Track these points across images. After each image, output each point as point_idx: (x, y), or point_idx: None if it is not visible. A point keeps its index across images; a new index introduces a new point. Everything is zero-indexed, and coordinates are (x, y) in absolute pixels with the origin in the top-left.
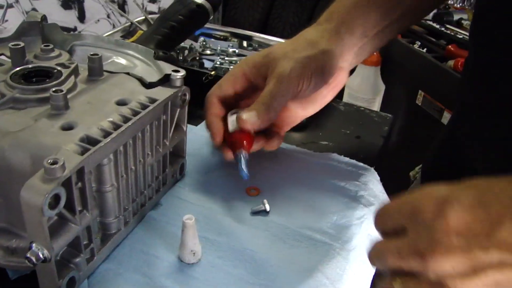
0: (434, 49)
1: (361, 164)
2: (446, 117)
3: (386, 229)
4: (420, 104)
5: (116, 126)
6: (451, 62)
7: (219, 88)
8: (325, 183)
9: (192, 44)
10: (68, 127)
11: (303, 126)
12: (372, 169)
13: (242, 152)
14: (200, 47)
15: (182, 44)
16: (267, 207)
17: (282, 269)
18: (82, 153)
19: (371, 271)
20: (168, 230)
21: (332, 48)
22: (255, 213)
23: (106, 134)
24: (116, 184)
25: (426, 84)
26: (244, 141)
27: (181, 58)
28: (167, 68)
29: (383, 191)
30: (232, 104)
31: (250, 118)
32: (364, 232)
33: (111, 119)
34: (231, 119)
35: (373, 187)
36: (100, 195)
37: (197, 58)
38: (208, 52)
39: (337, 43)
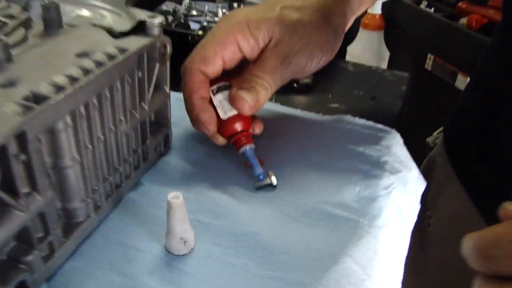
0: (442, 8)
1: (380, 125)
2: (460, 81)
3: (504, 274)
4: (429, 68)
5: (73, 81)
6: (463, 20)
7: (203, 61)
8: (341, 150)
9: (176, 7)
10: (8, 84)
11: (309, 88)
12: (394, 130)
13: (249, 146)
14: (186, 9)
15: (165, 8)
16: (274, 180)
17: (298, 255)
18: (24, 114)
19: (404, 251)
20: (151, 215)
21: (343, 25)
22: (259, 188)
23: (59, 90)
24: (79, 158)
25: (436, 47)
26: (248, 132)
27: (164, 23)
28: (142, 14)
29: (408, 156)
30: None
31: (252, 101)
32: (394, 204)
33: (67, 72)
34: (219, 100)
35: (397, 152)
36: (58, 172)
37: (182, 21)
38: (194, 13)
39: (346, 19)
